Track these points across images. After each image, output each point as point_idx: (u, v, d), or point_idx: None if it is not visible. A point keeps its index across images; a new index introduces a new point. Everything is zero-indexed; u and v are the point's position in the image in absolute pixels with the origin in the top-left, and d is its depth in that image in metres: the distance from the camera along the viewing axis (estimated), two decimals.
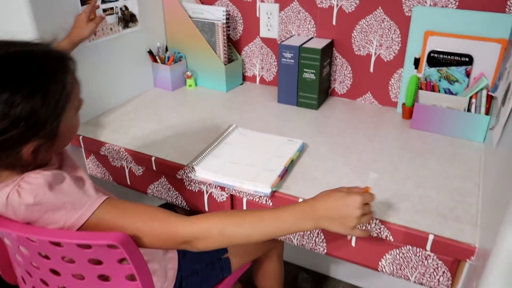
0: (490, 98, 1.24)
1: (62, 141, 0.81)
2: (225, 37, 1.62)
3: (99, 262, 0.81)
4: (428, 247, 0.92)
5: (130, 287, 0.85)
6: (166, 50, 1.73)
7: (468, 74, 1.31)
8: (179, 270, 1.12)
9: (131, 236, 0.81)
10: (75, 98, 0.80)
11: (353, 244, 1.03)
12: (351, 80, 1.57)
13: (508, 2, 1.22)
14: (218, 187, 1.12)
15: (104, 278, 0.85)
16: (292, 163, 1.15)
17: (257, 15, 1.64)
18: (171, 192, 1.26)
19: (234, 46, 1.74)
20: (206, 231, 0.81)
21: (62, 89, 0.75)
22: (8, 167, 0.78)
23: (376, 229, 0.96)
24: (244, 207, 1.14)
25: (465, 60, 1.29)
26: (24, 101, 0.70)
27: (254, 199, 1.09)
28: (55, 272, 0.86)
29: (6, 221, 0.78)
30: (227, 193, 1.14)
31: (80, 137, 1.33)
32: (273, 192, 1.05)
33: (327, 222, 0.82)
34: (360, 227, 0.95)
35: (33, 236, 0.77)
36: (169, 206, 1.34)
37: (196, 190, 1.19)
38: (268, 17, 1.62)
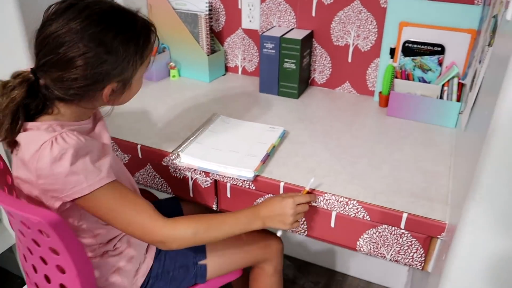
0: (461, 86, 1.30)
1: (128, 93, 0.94)
2: (208, 28, 1.65)
3: (48, 235, 0.86)
4: (403, 225, 0.98)
5: None
6: None
7: (440, 63, 1.37)
8: (150, 269, 1.12)
9: (119, 220, 0.89)
10: (149, 57, 0.94)
11: (332, 225, 1.08)
12: (330, 70, 1.62)
13: None
14: (203, 173, 1.16)
15: (54, 251, 0.89)
16: (273, 149, 1.20)
17: (239, 6, 1.67)
18: (157, 179, 1.29)
19: (216, 37, 1.77)
20: (182, 234, 0.93)
21: (147, 44, 0.90)
22: (84, 102, 0.89)
23: (353, 210, 1.01)
24: (228, 193, 1.18)
25: (438, 50, 1.35)
26: (122, 43, 0.85)
27: (238, 184, 1.13)
28: (22, 232, 0.93)
29: None
30: (211, 179, 1.19)
31: None
32: (255, 176, 1.09)
33: (271, 221, 1.00)
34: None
35: None
36: (174, 200, 1.37)
37: (181, 177, 1.23)
38: (250, 9, 1.65)
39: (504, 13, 0.75)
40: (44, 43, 0.82)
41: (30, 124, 0.87)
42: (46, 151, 0.82)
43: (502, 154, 0.67)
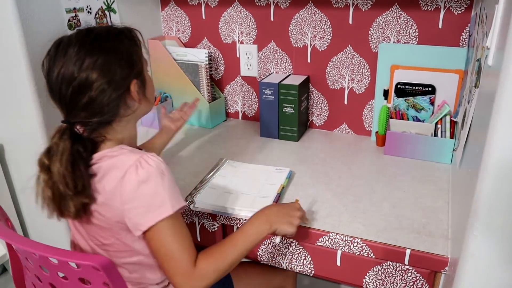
0: (453, 123, 1.36)
1: (149, 87, 1.00)
2: (208, 77, 1.73)
3: (88, 282, 0.86)
4: (406, 261, 1.01)
5: None
6: None
7: (432, 102, 1.43)
8: None
9: (166, 249, 0.90)
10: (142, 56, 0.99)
11: (338, 263, 1.11)
12: (328, 112, 1.69)
13: (461, 38, 1.37)
14: (210, 218, 1.20)
15: None
16: (283, 190, 1.24)
17: (237, 55, 1.76)
18: None
19: (216, 85, 1.84)
20: (207, 273, 0.93)
21: (133, 47, 0.95)
22: (122, 113, 0.94)
23: (358, 248, 1.04)
24: None
25: (429, 90, 1.42)
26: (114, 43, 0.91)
27: None
28: (53, 286, 0.91)
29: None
30: (218, 223, 1.22)
31: None
32: None
33: (278, 222, 1.01)
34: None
35: (28, 249, 0.84)
36: None
37: (188, 222, 1.26)
38: (248, 57, 1.74)
39: (486, 58, 0.81)
40: (58, 89, 0.88)
41: (99, 154, 0.91)
42: (133, 175, 0.86)
43: (495, 189, 0.71)
